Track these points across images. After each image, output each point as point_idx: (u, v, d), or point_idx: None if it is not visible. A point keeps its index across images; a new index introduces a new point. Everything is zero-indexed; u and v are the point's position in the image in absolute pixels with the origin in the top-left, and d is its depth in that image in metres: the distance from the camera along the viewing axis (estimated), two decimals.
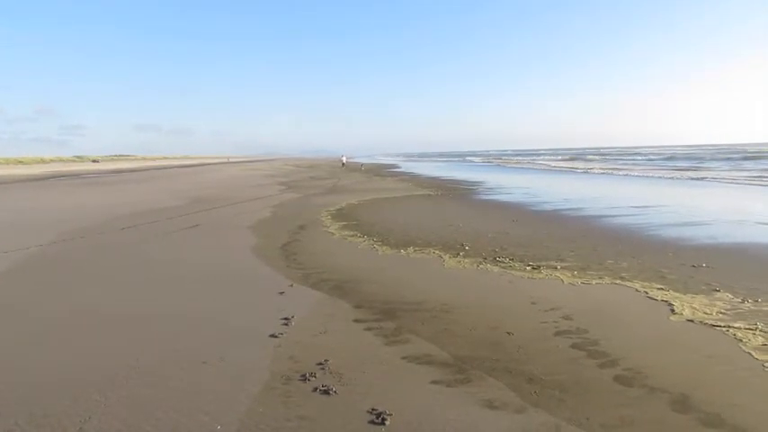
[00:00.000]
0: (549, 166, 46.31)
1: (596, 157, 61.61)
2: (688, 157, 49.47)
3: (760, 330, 4.11)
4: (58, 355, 3.85)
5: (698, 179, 23.81)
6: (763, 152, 51.19)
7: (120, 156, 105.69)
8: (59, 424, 2.87)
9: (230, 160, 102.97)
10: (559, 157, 68.95)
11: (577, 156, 71.33)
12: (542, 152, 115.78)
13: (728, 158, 43.39)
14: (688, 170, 31.55)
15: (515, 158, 73.36)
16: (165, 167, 56.13)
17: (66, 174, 39.96)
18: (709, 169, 31.41)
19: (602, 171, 34.04)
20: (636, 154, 68.66)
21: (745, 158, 42.15)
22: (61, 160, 70.71)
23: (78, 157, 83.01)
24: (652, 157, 56.72)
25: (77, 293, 5.62)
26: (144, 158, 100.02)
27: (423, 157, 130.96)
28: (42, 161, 65.07)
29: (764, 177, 22.97)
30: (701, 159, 44.13)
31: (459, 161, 73.96)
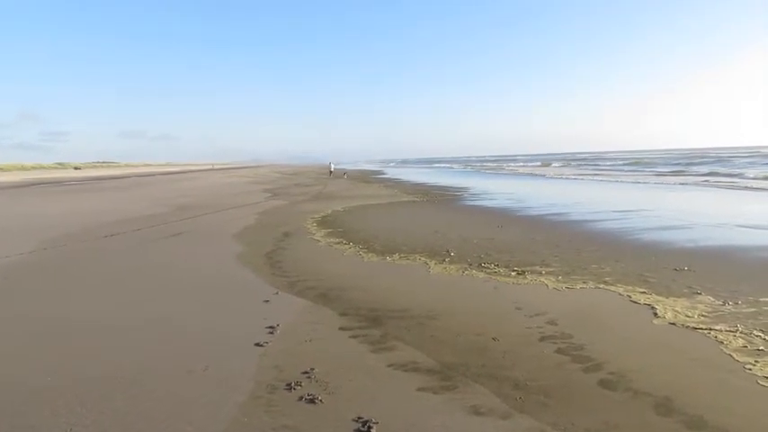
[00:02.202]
0: (533, 172, 46.73)
1: (580, 163, 62.47)
2: (675, 162, 50.23)
3: (740, 332, 4.18)
4: (39, 366, 3.75)
5: (682, 184, 24.21)
6: (739, 154, 52.43)
7: (102, 162, 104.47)
8: None
9: (215, 167, 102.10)
10: (539, 163, 69.86)
11: (558, 160, 72.29)
12: (530, 158, 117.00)
13: (718, 161, 44.41)
14: (669, 175, 32.13)
15: (498, 164, 73.98)
16: (147, 174, 55.47)
17: (48, 181, 39.27)
18: (694, 174, 32.02)
19: (582, 177, 34.45)
20: (618, 159, 69.70)
21: (721, 161, 43.16)
22: (42, 167, 69.57)
23: (60, 164, 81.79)
24: (636, 161, 57.59)
25: (59, 302, 5.50)
26: (127, 165, 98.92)
27: (406, 163, 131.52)
28: (23, 168, 63.93)
29: (729, 181, 23.48)
30: (684, 164, 44.94)
31: (442, 167, 74.35)
